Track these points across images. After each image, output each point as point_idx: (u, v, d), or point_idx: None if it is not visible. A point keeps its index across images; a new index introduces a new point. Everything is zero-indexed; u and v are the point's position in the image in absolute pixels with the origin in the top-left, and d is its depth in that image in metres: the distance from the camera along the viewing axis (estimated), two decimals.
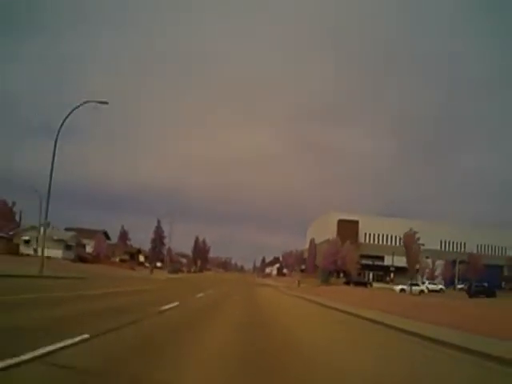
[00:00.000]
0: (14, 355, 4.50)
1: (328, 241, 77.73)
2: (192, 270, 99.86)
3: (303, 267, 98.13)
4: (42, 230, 32.23)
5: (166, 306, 12.52)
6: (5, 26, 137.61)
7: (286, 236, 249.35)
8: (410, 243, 49.70)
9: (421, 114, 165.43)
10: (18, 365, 4.32)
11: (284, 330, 10.43)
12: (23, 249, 54.96)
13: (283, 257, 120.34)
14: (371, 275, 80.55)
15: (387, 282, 69.62)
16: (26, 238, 56.83)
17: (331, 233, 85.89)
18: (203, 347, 6.64)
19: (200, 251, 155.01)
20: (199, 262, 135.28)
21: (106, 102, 23.18)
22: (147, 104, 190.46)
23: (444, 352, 8.27)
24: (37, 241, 49.00)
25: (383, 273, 78.30)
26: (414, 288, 48.80)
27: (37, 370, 4.34)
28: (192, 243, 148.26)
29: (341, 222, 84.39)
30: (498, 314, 17.07)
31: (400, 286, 49.56)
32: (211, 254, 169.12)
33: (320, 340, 9.10)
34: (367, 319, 14.39)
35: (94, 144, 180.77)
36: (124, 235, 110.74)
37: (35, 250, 52.38)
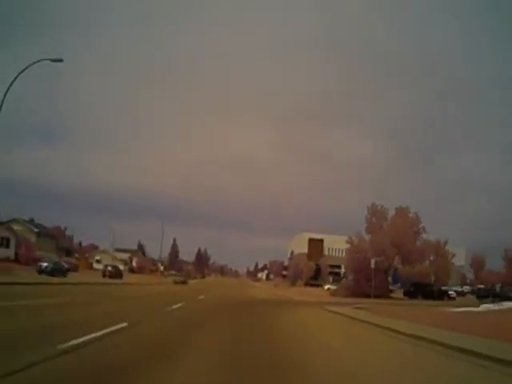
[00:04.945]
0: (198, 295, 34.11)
1: (298, 255, 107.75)
2: (199, 276, 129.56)
3: (285, 273, 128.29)
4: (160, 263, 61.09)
5: (211, 292, 41.94)
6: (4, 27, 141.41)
7: (278, 240, 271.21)
8: (323, 266, 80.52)
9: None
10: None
11: (252, 296, 39.89)
12: (95, 265, 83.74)
13: (270, 264, 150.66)
14: (331, 279, 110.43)
15: None
16: (98, 257, 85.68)
17: (305, 247, 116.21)
18: (230, 296, 36.35)
19: (201, 260, 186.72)
20: (205, 270, 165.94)
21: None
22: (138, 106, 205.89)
23: (280, 299, 37.95)
24: (111, 260, 78.17)
25: (339, 278, 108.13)
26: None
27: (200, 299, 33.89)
28: (184, 245, 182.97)
29: (310, 240, 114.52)
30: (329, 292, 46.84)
31: (327, 286, 79.72)
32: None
33: (260, 296, 38.71)
34: (279, 295, 43.94)
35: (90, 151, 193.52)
36: (141, 248, 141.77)
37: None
